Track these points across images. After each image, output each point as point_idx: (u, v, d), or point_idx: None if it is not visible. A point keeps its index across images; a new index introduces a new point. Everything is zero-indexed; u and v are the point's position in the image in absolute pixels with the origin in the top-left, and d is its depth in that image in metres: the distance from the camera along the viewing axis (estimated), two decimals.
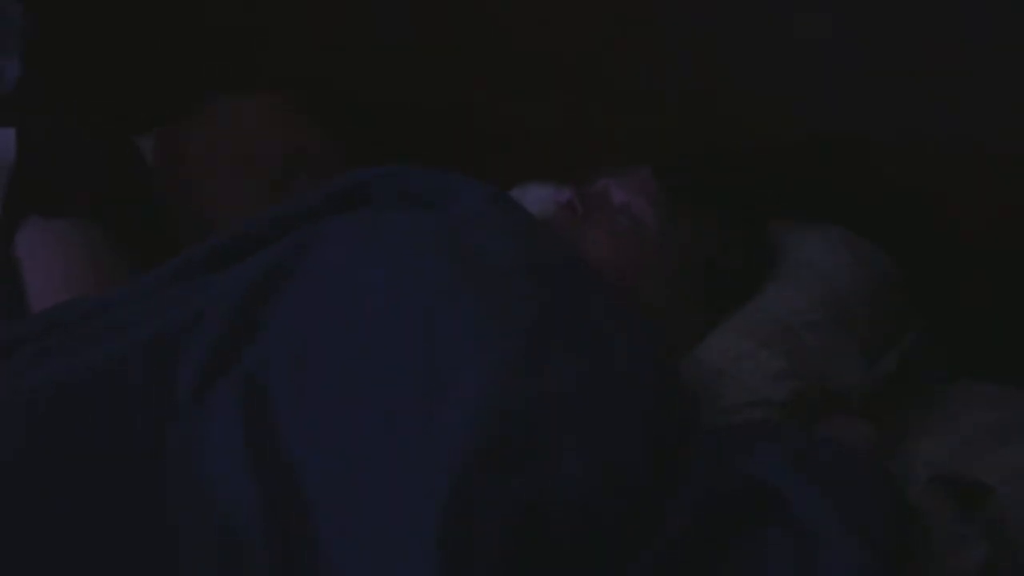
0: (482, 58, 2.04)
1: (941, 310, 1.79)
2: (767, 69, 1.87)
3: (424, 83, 2.07)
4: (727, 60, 1.91)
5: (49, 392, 1.24)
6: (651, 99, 1.90)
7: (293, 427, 1.22)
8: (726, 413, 1.51)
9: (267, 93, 1.85)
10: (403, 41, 2.07)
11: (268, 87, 1.87)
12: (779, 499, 1.25)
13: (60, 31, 2.03)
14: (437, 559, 1.08)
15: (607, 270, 1.54)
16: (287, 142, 1.77)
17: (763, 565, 1.20)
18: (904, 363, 1.67)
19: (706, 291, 1.62)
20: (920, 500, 1.34)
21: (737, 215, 1.68)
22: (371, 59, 2.05)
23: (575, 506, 1.16)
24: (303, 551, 1.15)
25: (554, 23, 1.98)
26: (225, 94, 1.85)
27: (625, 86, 1.92)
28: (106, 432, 1.21)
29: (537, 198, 1.79)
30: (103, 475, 1.19)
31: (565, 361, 1.28)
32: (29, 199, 1.61)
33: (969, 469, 1.46)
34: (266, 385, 1.26)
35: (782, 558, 1.20)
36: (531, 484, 1.15)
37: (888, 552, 1.20)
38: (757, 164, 1.80)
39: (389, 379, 1.23)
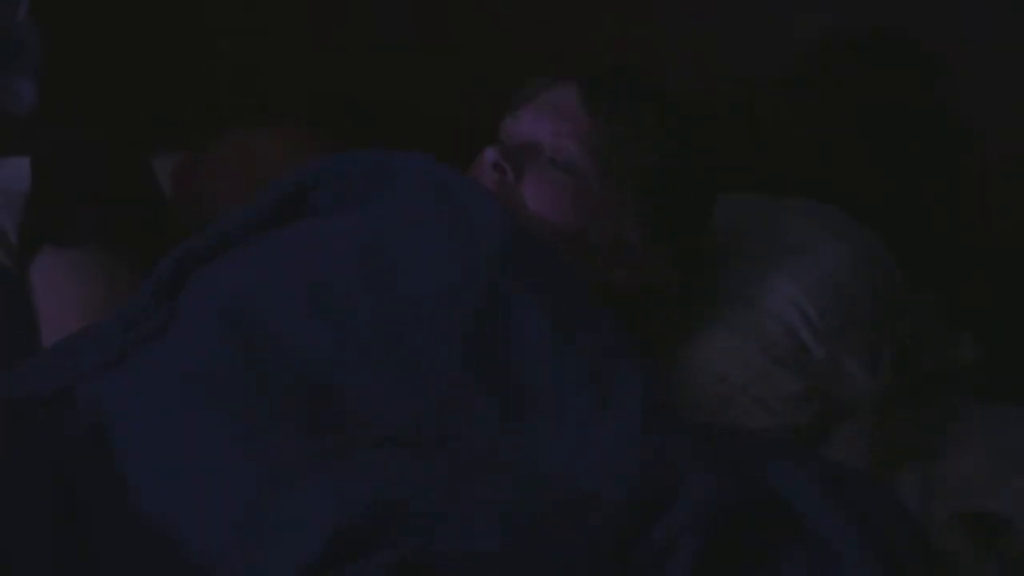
0: (482, 58, 2.04)
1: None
2: (767, 69, 1.87)
3: (424, 84, 2.07)
4: (727, 60, 1.91)
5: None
6: None
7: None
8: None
9: (281, 122, 1.86)
10: (403, 41, 2.07)
11: (277, 99, 1.88)
12: (793, 517, 1.24)
13: (74, 54, 2.05)
14: None
15: (554, 229, 1.48)
16: None
17: None
18: (916, 365, 1.66)
19: (655, 215, 1.53)
20: (940, 533, 1.35)
21: (673, 121, 1.56)
22: (371, 59, 2.06)
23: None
24: None
25: (554, 23, 1.98)
26: (240, 124, 1.88)
27: None
28: None
29: None
30: None
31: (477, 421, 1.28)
32: (43, 228, 1.62)
33: (986, 497, 1.46)
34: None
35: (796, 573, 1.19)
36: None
37: None
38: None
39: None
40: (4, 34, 2.03)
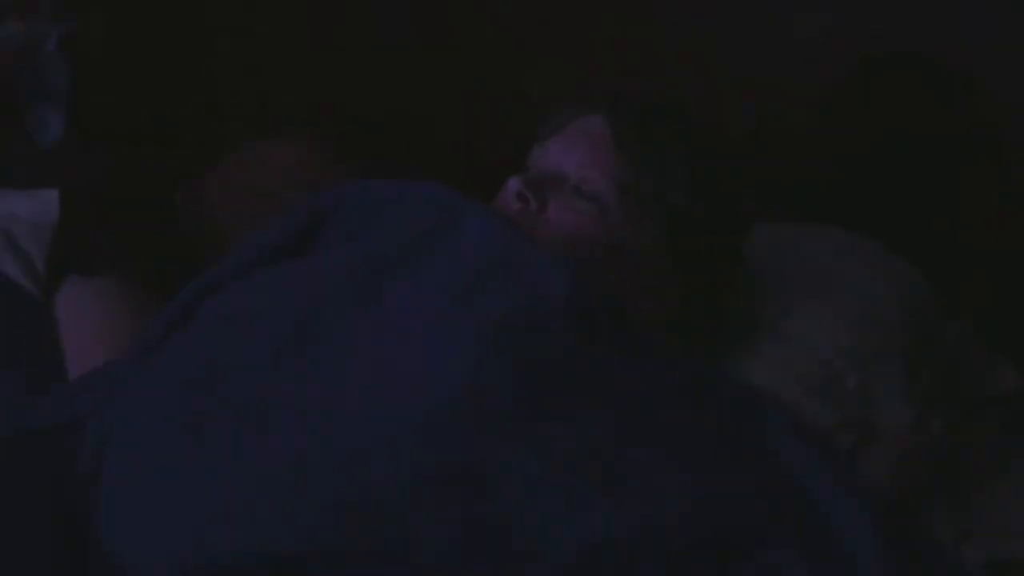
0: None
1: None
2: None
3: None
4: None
5: None
6: None
7: None
8: None
9: (290, 132, 1.86)
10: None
11: (282, 106, 1.89)
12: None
13: (100, 86, 2.08)
14: None
15: (577, 258, 1.42)
16: (311, 183, 1.79)
17: None
18: (953, 394, 1.66)
19: (682, 250, 1.50)
20: None
21: (703, 157, 1.53)
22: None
23: None
24: None
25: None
26: (251, 135, 1.88)
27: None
28: None
29: None
30: None
31: None
32: (68, 258, 1.64)
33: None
34: None
35: None
36: None
37: None
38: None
39: None
40: (33, 67, 2.06)
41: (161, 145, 2.05)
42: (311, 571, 1.14)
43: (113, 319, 1.60)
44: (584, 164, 1.47)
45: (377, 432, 1.17)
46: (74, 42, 2.08)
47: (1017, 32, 1.79)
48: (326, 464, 1.16)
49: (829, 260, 1.65)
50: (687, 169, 1.49)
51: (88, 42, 2.08)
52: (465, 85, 2.08)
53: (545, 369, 1.23)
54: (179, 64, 2.16)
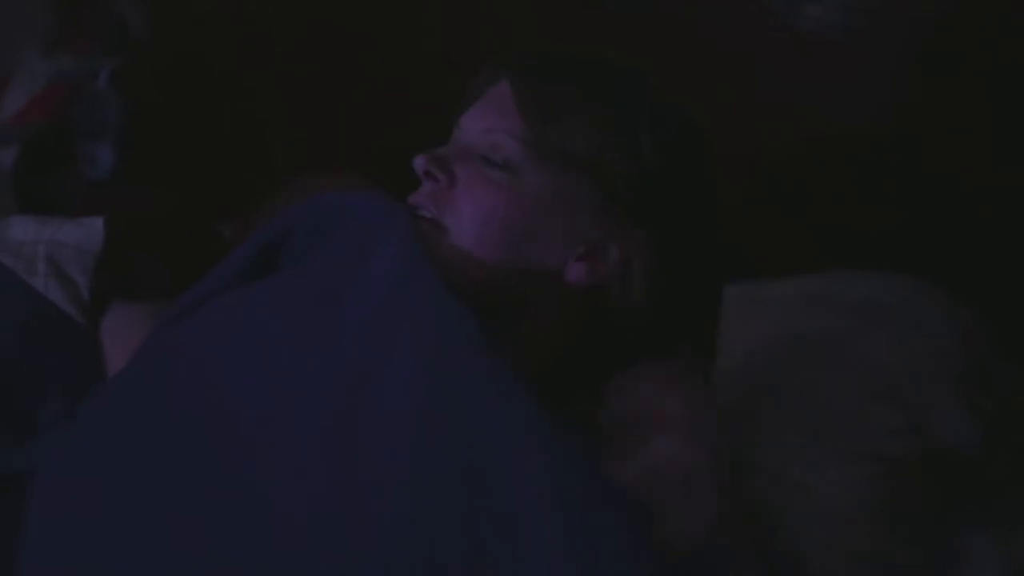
0: None
1: None
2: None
3: None
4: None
5: None
6: None
7: None
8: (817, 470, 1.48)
9: (340, 172, 1.86)
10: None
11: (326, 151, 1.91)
12: None
13: (148, 121, 2.10)
14: None
15: (497, 233, 1.32)
16: None
17: None
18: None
19: (617, 199, 1.35)
20: None
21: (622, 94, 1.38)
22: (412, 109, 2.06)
23: None
24: None
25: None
26: (301, 175, 1.89)
27: None
28: None
29: None
30: None
31: None
32: (113, 285, 1.65)
33: None
34: None
35: None
36: None
37: None
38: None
39: None
40: (84, 102, 2.08)
41: (208, 180, 2.07)
42: None
43: None
44: (491, 130, 1.36)
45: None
46: (125, 78, 2.10)
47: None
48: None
49: (882, 291, 1.63)
50: (601, 118, 1.34)
51: (139, 79, 2.10)
52: None
53: None
54: (227, 102, 2.17)
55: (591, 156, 1.33)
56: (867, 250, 1.79)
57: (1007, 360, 1.64)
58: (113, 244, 1.68)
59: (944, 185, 1.83)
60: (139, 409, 1.30)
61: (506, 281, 1.30)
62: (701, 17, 1.85)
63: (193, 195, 1.92)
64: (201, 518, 1.16)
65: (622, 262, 1.33)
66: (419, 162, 1.35)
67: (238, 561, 1.11)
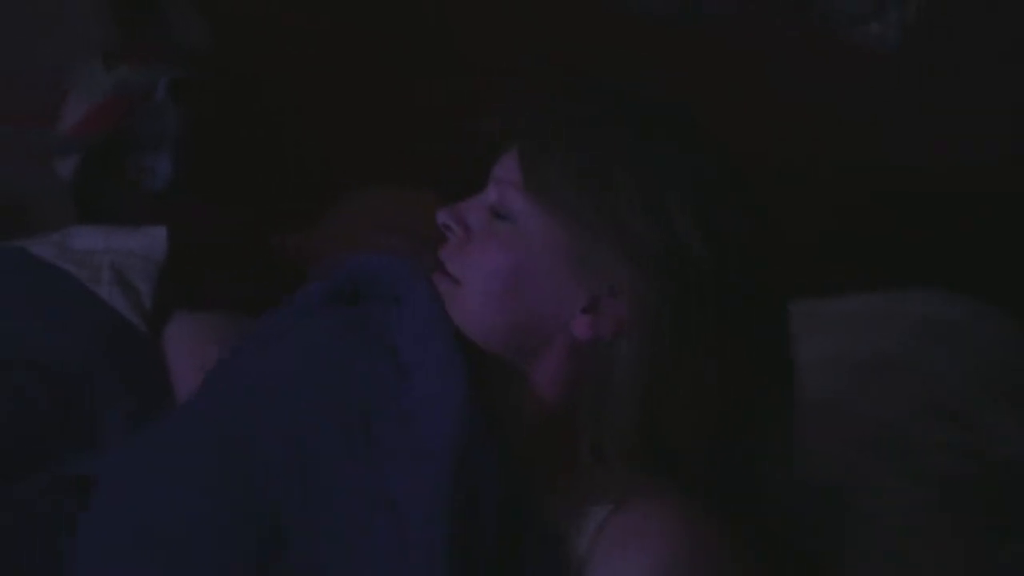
0: None
1: None
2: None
3: None
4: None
5: None
6: None
7: None
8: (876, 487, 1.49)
9: (399, 185, 1.89)
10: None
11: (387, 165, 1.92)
12: None
13: (206, 133, 2.12)
14: None
15: (503, 282, 1.29)
16: (412, 233, 1.80)
17: None
18: None
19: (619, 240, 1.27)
20: None
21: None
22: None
23: None
24: None
25: None
26: (360, 188, 1.91)
27: None
28: None
29: None
30: None
31: None
32: (177, 294, 1.68)
33: None
34: None
35: None
36: None
37: None
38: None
39: None
40: (143, 113, 2.10)
41: (266, 192, 2.09)
42: None
43: (217, 353, 1.61)
44: (501, 181, 1.34)
45: None
46: (184, 89, 2.12)
47: None
48: None
49: (940, 305, 1.64)
50: (618, 178, 1.27)
51: (198, 90, 2.12)
52: None
53: None
54: (286, 115, 2.20)
55: (603, 216, 1.27)
56: (918, 269, 1.79)
57: None
58: (176, 254, 1.71)
59: (996, 206, 1.84)
60: (195, 430, 1.33)
61: (512, 335, 1.29)
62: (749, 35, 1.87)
63: (251, 207, 1.94)
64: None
65: (625, 317, 1.26)
66: (439, 216, 1.35)
67: None
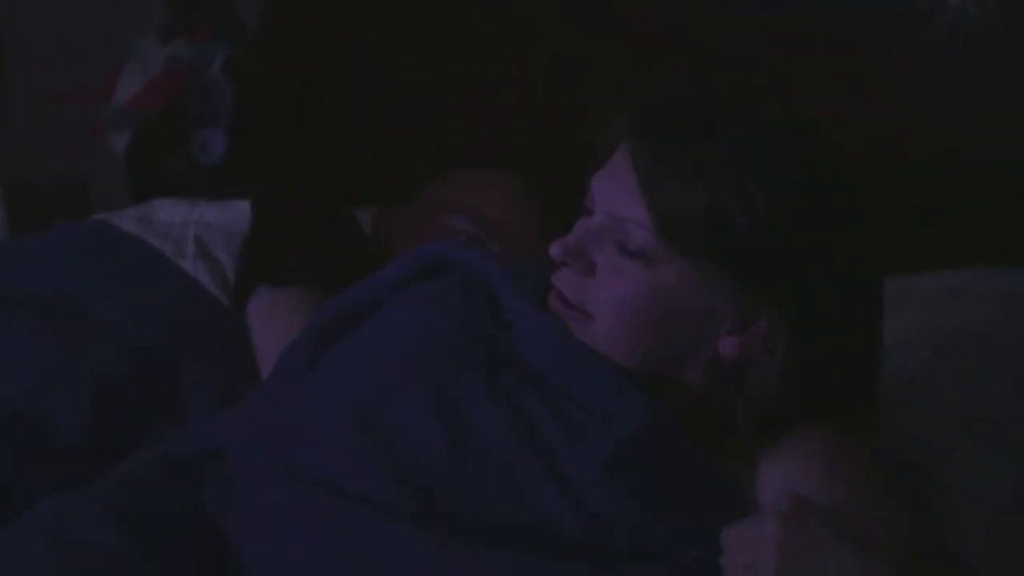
0: None
1: None
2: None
3: None
4: None
5: None
6: None
7: None
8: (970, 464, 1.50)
9: (481, 165, 1.91)
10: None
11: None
12: None
13: (261, 109, 2.12)
14: None
15: (637, 330, 1.29)
16: (479, 214, 1.82)
17: None
18: None
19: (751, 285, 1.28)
20: None
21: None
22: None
23: None
24: None
25: None
26: (443, 168, 1.92)
27: None
28: None
29: None
30: None
31: None
32: (260, 268, 1.69)
33: None
34: None
35: None
36: None
37: None
38: None
39: None
40: (198, 88, 2.09)
41: (328, 169, 2.08)
42: None
43: (300, 326, 1.60)
44: (620, 213, 1.30)
45: None
46: (239, 65, 2.12)
47: None
48: None
49: None
50: (718, 191, 1.26)
51: (253, 66, 2.12)
52: None
53: None
54: (343, 92, 2.19)
55: (714, 238, 1.26)
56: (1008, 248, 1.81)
57: None
58: (260, 227, 1.71)
59: None
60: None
61: (655, 359, 1.31)
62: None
63: (314, 184, 1.93)
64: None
65: (768, 335, 1.28)
66: (555, 251, 1.31)
67: None
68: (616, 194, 1.29)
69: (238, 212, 1.73)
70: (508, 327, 1.34)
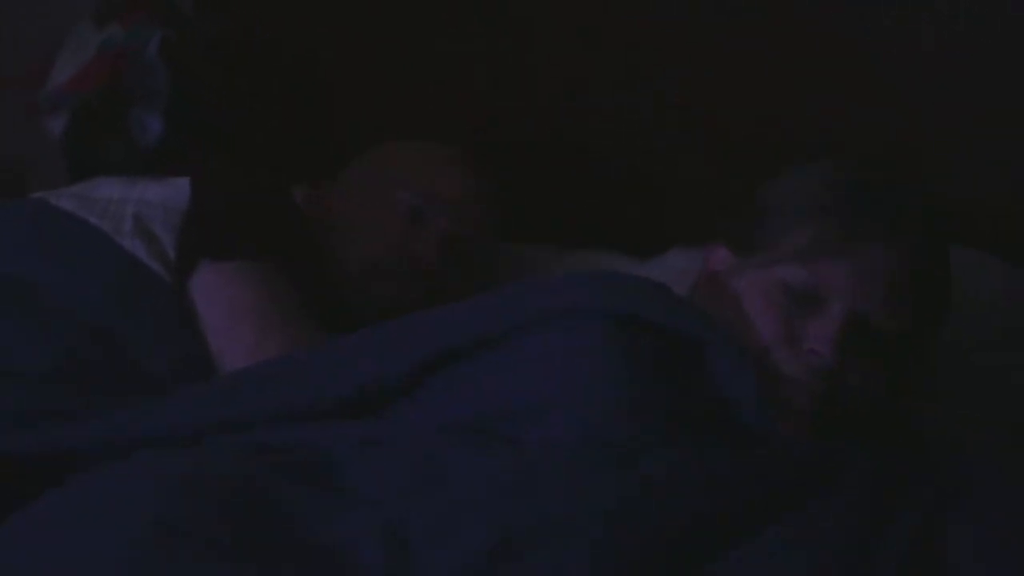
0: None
1: None
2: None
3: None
4: None
5: None
6: None
7: None
8: None
9: (416, 141, 1.92)
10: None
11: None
12: None
13: (197, 90, 2.12)
14: None
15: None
16: (423, 187, 1.83)
17: None
18: None
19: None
20: None
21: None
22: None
23: None
24: None
25: None
26: (379, 143, 1.93)
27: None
28: None
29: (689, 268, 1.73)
30: None
31: None
32: (201, 243, 1.70)
33: None
34: None
35: None
36: None
37: None
38: None
39: None
40: (134, 70, 2.10)
41: (265, 147, 2.09)
42: None
43: (254, 297, 1.65)
44: (882, 314, 1.42)
45: None
46: (174, 46, 2.12)
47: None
48: None
49: None
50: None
51: (189, 48, 2.12)
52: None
53: None
54: (279, 70, 2.19)
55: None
56: None
57: None
58: (200, 203, 1.72)
59: None
60: None
61: None
62: None
63: (262, 161, 1.94)
64: None
65: None
66: (824, 337, 1.41)
67: None
68: (883, 297, 1.43)
69: (179, 189, 1.75)
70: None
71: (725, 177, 1.91)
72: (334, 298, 1.77)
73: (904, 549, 1.26)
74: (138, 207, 1.72)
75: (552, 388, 1.35)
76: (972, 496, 1.33)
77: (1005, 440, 1.61)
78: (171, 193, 1.74)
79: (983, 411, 1.64)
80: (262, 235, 1.70)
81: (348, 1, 2.13)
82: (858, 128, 1.92)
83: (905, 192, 1.48)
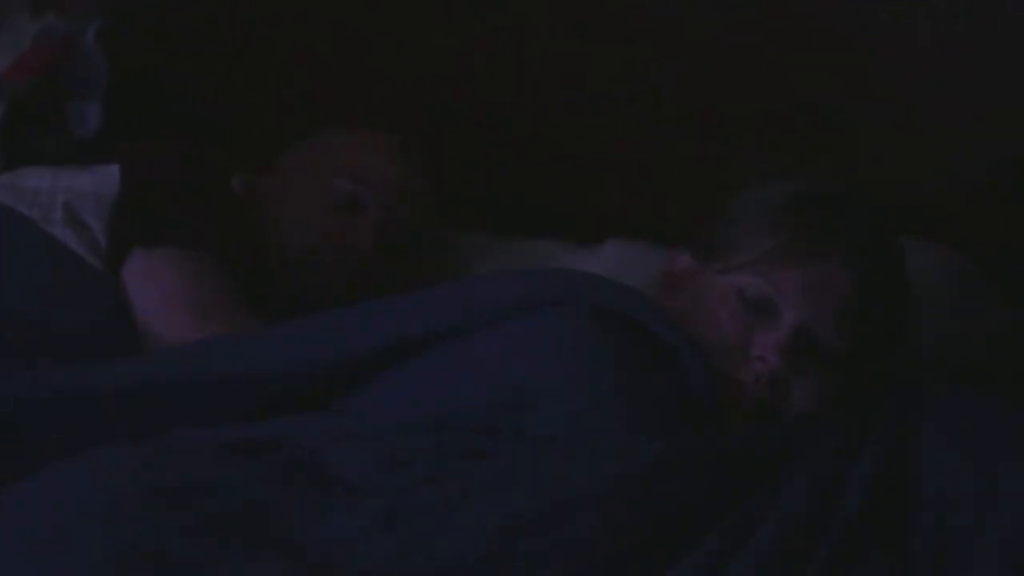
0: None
1: None
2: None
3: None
4: None
5: None
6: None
7: None
8: None
9: (357, 128, 1.91)
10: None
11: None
12: None
13: (135, 79, 2.11)
14: None
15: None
16: (360, 177, 1.82)
17: None
18: None
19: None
20: None
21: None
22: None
23: None
24: None
25: None
26: (318, 131, 1.92)
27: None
28: None
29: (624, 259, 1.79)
30: None
31: None
32: (133, 230, 1.68)
33: None
34: None
35: None
36: None
37: None
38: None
39: None
40: (71, 60, 2.08)
41: (203, 136, 2.08)
42: None
43: (186, 283, 1.64)
44: (830, 330, 1.45)
45: None
46: (111, 36, 2.11)
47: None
48: None
49: None
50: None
51: (126, 36, 2.11)
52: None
53: None
54: (215, 60, 2.18)
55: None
56: None
57: None
58: (130, 189, 1.71)
59: None
60: None
61: None
62: None
63: (186, 148, 1.93)
64: None
65: None
66: (770, 346, 1.45)
67: None
68: (832, 312, 1.47)
69: (109, 176, 1.73)
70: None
71: (719, 171, 1.91)
72: (270, 286, 1.75)
73: (879, 460, 1.32)
74: (68, 196, 1.71)
75: (545, 373, 1.38)
76: (934, 403, 1.39)
77: None
78: (102, 180, 1.73)
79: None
80: (194, 221, 1.68)
81: None
82: (854, 123, 1.94)
83: (864, 211, 1.51)
